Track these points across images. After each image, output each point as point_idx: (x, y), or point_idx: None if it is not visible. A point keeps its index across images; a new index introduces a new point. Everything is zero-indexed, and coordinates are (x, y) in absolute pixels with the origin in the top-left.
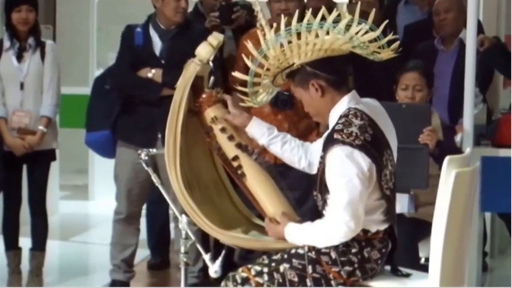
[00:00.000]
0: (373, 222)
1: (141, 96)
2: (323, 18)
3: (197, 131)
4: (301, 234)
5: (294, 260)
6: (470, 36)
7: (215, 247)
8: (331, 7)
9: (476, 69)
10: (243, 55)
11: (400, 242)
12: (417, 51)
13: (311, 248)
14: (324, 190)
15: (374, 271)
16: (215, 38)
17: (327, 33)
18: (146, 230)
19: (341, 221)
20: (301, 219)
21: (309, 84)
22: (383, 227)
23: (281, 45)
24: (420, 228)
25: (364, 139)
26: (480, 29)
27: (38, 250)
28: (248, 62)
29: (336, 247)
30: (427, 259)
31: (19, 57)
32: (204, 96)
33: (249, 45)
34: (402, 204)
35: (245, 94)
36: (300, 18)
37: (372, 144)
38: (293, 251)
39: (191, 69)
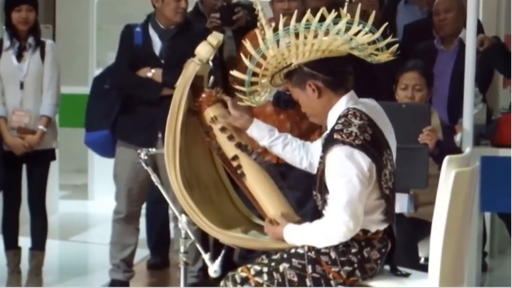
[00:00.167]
0: (373, 222)
1: (140, 96)
2: (323, 18)
3: (197, 130)
4: (300, 235)
5: (293, 260)
6: (470, 36)
7: (215, 247)
8: (336, 4)
9: (476, 69)
10: (242, 55)
11: (400, 241)
12: (416, 51)
13: (311, 248)
14: (324, 190)
15: (374, 271)
16: (215, 38)
17: (326, 33)
18: (146, 230)
19: (341, 221)
20: (301, 219)
21: (306, 85)
22: (382, 227)
23: (279, 45)
24: (419, 228)
25: (364, 138)
26: (480, 29)
27: (37, 249)
28: (246, 61)
29: (335, 247)
30: (426, 259)
31: (19, 57)
32: (203, 95)
33: (248, 44)
34: (401, 203)
35: (243, 93)
36: (300, 18)
37: (371, 143)
38: (292, 250)
39: (190, 69)
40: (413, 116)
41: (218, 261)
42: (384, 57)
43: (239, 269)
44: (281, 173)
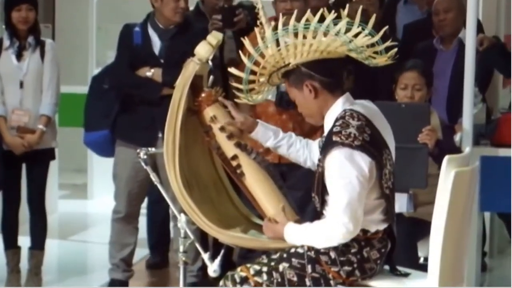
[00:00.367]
0: (373, 222)
1: (140, 96)
2: (324, 19)
3: (196, 130)
4: (300, 235)
5: (293, 260)
6: (469, 36)
7: (214, 246)
8: (337, 4)
9: (476, 69)
10: (240, 53)
11: (399, 241)
12: (416, 50)
13: (311, 248)
14: (323, 191)
15: (373, 271)
16: (214, 37)
17: (325, 34)
18: (147, 229)
19: (340, 222)
20: (300, 218)
21: (303, 85)
22: (382, 227)
23: (278, 44)
24: (419, 227)
25: (363, 139)
26: (479, 28)
27: (37, 249)
28: (245, 59)
29: (335, 247)
30: (426, 259)
31: (19, 56)
32: (203, 95)
33: (247, 42)
34: (401, 203)
35: (240, 90)
36: (301, 18)
37: (371, 143)
38: (292, 250)
39: (190, 68)
40: (412, 116)
41: (217, 260)
42: (382, 60)
43: (239, 269)
44: (282, 173)
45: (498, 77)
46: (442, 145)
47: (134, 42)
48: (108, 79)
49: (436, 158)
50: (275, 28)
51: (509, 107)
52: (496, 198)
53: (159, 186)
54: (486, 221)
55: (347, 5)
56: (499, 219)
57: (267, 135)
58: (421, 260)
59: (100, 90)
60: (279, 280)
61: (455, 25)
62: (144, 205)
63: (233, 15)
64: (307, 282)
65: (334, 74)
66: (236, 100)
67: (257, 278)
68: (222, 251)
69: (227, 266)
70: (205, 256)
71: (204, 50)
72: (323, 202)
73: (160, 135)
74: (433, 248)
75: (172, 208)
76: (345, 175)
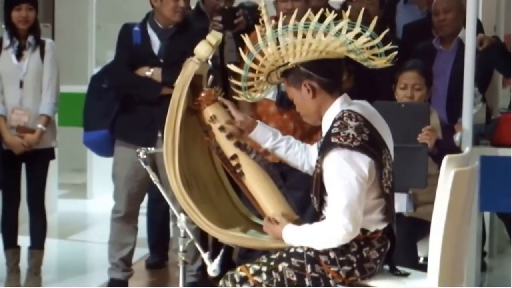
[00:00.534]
0: (372, 222)
1: (140, 95)
2: (324, 18)
3: (196, 129)
4: (299, 236)
5: (293, 259)
6: (469, 36)
7: (214, 246)
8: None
9: (476, 69)
10: (240, 49)
11: (399, 241)
12: (416, 50)
13: (310, 248)
14: (321, 192)
15: (373, 270)
16: (214, 37)
17: (325, 34)
18: (147, 229)
19: (340, 224)
20: (300, 218)
21: (301, 84)
22: (381, 226)
23: (278, 43)
24: (418, 227)
25: (362, 139)
26: (479, 28)
27: (36, 248)
28: (244, 56)
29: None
30: (425, 259)
31: (19, 56)
32: (203, 94)
33: (247, 40)
34: (401, 203)
35: (239, 88)
36: (302, 17)
37: (370, 143)
38: (292, 250)
39: (189, 68)
40: (412, 116)
41: (217, 260)
42: (381, 63)
43: (238, 269)
44: (282, 172)
45: (498, 77)
46: (442, 145)
47: (134, 42)
48: (108, 78)
49: (435, 158)
50: (275, 27)
51: (509, 107)
52: (495, 198)
53: (158, 186)
54: (485, 221)
55: (349, 6)
56: (498, 219)
57: (266, 135)
58: (421, 260)
59: (99, 90)
60: (279, 280)
61: (454, 25)
62: (144, 204)
63: (233, 17)
64: (307, 282)
65: (332, 74)
66: (234, 97)
67: (256, 278)
68: (222, 251)
69: (227, 265)
70: (205, 255)
71: (203, 49)
72: (322, 203)
73: (159, 134)
74: (433, 248)
75: (172, 208)
76: (345, 176)
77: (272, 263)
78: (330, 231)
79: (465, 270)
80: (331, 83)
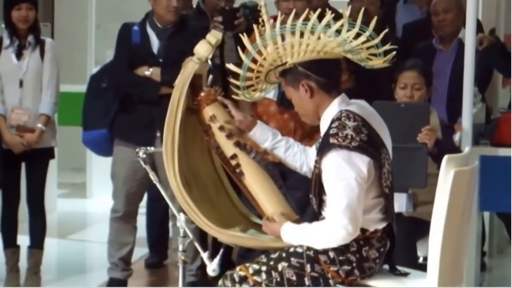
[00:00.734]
0: (371, 221)
1: (139, 95)
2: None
3: (196, 129)
4: (298, 234)
5: (292, 259)
6: (469, 35)
7: (213, 246)
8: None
9: (475, 68)
10: (239, 48)
11: (399, 241)
12: (415, 50)
13: (310, 247)
14: (320, 192)
15: (373, 270)
16: (214, 37)
17: (324, 34)
18: (146, 228)
19: (340, 224)
20: (299, 218)
21: (299, 84)
22: (381, 226)
23: (275, 42)
24: (418, 227)
25: (360, 139)
26: (479, 28)
27: (36, 248)
28: (242, 56)
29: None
30: (425, 258)
31: (19, 55)
32: (202, 94)
33: (245, 39)
34: (400, 203)
35: (237, 87)
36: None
37: (368, 143)
38: (291, 249)
39: (189, 67)
40: (412, 115)
41: (216, 259)
42: (379, 62)
43: (238, 268)
44: (282, 172)
45: (498, 77)
46: (442, 144)
47: (133, 41)
48: (107, 78)
49: (435, 158)
50: (274, 26)
51: (509, 106)
52: (495, 198)
53: (158, 185)
54: (485, 221)
55: (349, 6)
56: (498, 218)
57: (265, 135)
58: (421, 260)
59: (98, 89)
60: (278, 279)
61: (454, 25)
62: (143, 204)
63: (234, 18)
64: (306, 281)
65: (330, 74)
66: (234, 96)
67: (256, 278)
68: (221, 251)
69: (226, 265)
70: (204, 255)
71: (203, 49)
72: (321, 203)
73: (158, 134)
74: (433, 247)
75: (171, 207)
76: (344, 176)
77: (271, 263)
78: (330, 232)
79: (464, 270)
80: (329, 83)
